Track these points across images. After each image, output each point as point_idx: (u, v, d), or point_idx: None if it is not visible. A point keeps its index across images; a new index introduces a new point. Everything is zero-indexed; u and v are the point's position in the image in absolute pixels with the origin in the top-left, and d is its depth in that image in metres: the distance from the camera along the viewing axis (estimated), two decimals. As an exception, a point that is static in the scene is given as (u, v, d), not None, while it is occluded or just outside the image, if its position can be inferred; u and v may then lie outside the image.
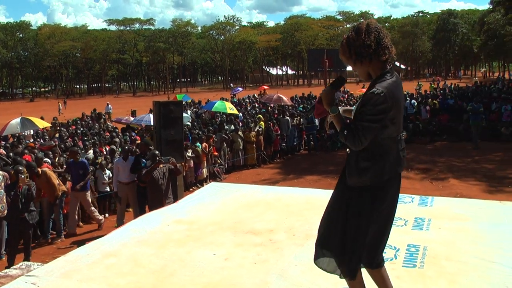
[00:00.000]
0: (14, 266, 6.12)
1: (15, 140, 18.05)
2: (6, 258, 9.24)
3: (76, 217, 11.69)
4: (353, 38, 3.47)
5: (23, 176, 9.20)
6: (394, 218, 6.23)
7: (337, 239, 3.67)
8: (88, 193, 11.65)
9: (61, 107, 50.71)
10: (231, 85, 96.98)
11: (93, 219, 11.88)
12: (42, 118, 21.12)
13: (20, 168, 9.51)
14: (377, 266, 3.82)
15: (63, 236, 11.19)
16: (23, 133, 19.61)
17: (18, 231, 9.21)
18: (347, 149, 3.61)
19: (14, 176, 9.32)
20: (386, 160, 3.50)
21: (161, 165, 9.95)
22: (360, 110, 3.40)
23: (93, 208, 11.79)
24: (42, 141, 17.29)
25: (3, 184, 9.47)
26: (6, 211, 9.38)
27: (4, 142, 17.44)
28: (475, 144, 19.74)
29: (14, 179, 9.22)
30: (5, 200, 9.35)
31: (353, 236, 3.59)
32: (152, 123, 17.85)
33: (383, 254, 3.87)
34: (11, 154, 13.22)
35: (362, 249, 3.63)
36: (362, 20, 3.41)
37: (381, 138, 3.44)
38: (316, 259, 3.88)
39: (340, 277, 3.81)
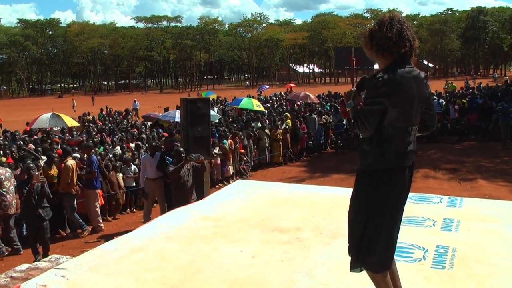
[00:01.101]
0: (43, 259, 6.19)
1: (44, 135, 18.26)
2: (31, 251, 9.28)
3: (98, 213, 11.61)
4: (375, 30, 3.49)
5: (36, 173, 9.16)
6: (423, 219, 6.23)
7: (350, 229, 3.73)
8: (95, 192, 11.52)
9: (75, 104, 50.83)
10: (249, 83, 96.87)
11: (91, 220, 11.60)
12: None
13: (32, 165, 9.56)
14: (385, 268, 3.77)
15: (87, 227, 11.23)
16: (52, 129, 19.84)
17: (35, 228, 9.19)
18: (346, 105, 3.66)
19: (26, 173, 9.35)
20: (386, 148, 3.50)
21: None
22: (365, 95, 3.48)
23: (97, 209, 11.54)
24: (70, 136, 17.43)
25: (12, 180, 9.58)
26: (11, 210, 9.51)
27: (34, 137, 17.63)
28: (504, 145, 19.47)
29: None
30: (9, 198, 9.48)
31: (360, 223, 3.64)
32: (177, 119, 17.96)
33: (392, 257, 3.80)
34: (39, 148, 13.39)
35: (373, 240, 3.62)
36: (385, 12, 3.42)
37: (383, 125, 3.44)
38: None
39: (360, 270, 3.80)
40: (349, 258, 3.83)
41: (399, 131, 3.50)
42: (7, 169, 9.79)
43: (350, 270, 3.81)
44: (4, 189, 9.43)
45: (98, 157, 12.49)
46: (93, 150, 12.94)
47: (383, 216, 3.59)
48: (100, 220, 11.57)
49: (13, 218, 9.72)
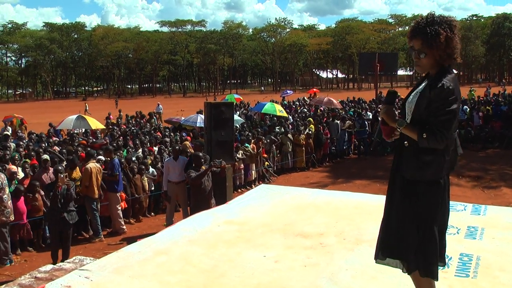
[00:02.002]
0: (67, 260, 6.24)
1: (68, 137, 18.44)
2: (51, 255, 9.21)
3: (120, 215, 11.69)
4: (450, 38, 3.40)
5: (62, 176, 9.09)
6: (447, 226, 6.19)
7: (404, 240, 3.62)
8: (117, 195, 11.59)
9: (87, 108, 50.85)
10: (265, 87, 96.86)
11: (113, 222, 11.70)
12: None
13: (60, 167, 9.53)
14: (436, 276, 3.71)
15: (101, 236, 11.18)
16: (76, 131, 20.03)
17: (58, 231, 9.15)
18: (405, 142, 3.53)
19: (54, 175, 9.34)
20: (447, 155, 3.47)
21: (203, 167, 9.98)
22: (434, 106, 3.35)
23: (119, 212, 11.62)
24: (94, 139, 17.57)
25: (7, 188, 9.44)
26: (12, 216, 9.39)
27: (57, 139, 17.82)
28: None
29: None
30: (10, 205, 9.37)
31: (424, 233, 3.55)
32: (198, 124, 18.03)
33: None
34: (64, 150, 13.51)
35: (435, 244, 3.57)
36: (451, 16, 3.25)
37: None
38: (379, 258, 3.82)
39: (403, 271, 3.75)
40: (373, 263, 3.81)
41: (453, 136, 3.52)
42: (2, 175, 9.60)
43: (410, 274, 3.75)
44: (5, 195, 9.29)
45: (123, 160, 12.59)
46: (118, 153, 13.04)
47: (443, 222, 3.62)
48: (122, 223, 11.63)
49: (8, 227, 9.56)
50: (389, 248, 3.73)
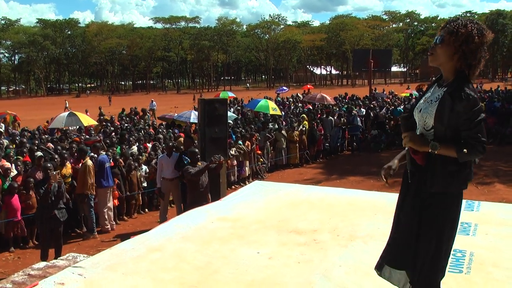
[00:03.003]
0: (61, 257, 6.23)
1: (62, 135, 18.37)
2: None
3: (107, 215, 11.52)
4: (473, 39, 3.34)
5: (54, 173, 8.99)
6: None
7: (418, 252, 3.52)
8: (104, 191, 11.42)
9: (67, 104, 50.27)
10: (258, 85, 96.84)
11: (100, 221, 11.49)
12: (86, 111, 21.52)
13: (49, 165, 9.42)
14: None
15: (96, 233, 11.09)
16: (69, 128, 19.95)
17: (48, 229, 9.02)
18: (430, 150, 3.35)
19: (43, 172, 9.22)
20: (471, 165, 3.41)
21: (199, 163, 9.97)
22: (462, 120, 3.26)
23: (106, 210, 11.44)
24: (87, 136, 17.50)
25: None
26: None
27: (51, 136, 17.74)
28: (523, 149, 19.32)
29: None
30: None
31: (438, 246, 3.45)
32: (191, 120, 18.01)
33: None
34: (58, 147, 13.47)
35: (446, 259, 3.53)
36: (482, 25, 3.19)
37: None
38: (380, 269, 3.77)
39: None
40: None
41: None
42: None
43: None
44: None
45: (118, 157, 12.56)
46: (111, 150, 13.01)
47: (454, 233, 3.51)
48: (107, 223, 11.49)
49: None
50: (396, 258, 3.67)
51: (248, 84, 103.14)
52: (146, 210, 13.25)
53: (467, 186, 3.42)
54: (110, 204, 11.57)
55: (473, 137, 3.25)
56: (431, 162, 3.39)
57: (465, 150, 3.24)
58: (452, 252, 5.20)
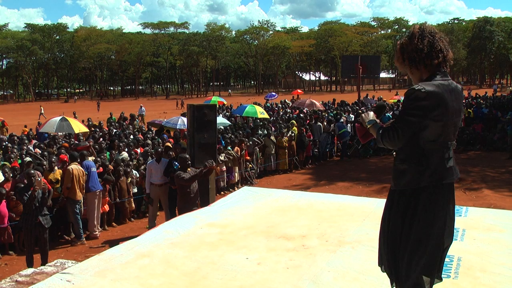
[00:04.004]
0: (49, 263, 6.20)
1: (50, 139, 18.27)
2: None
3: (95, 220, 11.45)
4: (406, 43, 3.45)
5: (39, 179, 8.89)
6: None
7: (386, 249, 3.65)
8: (91, 194, 11.33)
9: (43, 111, 49.85)
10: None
11: (88, 227, 11.44)
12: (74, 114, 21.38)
13: (32, 171, 9.24)
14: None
15: (83, 239, 10.99)
16: (58, 133, 19.85)
17: (33, 236, 8.90)
18: (393, 152, 3.57)
19: (27, 179, 9.04)
20: (426, 166, 3.43)
21: (189, 168, 9.96)
22: (400, 108, 3.42)
23: (95, 215, 11.35)
24: (76, 141, 17.41)
25: None
26: None
27: (38, 142, 17.65)
28: (511, 155, 19.41)
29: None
30: None
31: (396, 243, 3.56)
32: (179, 126, 17.99)
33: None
34: (45, 153, 13.39)
35: (410, 260, 3.53)
36: (416, 23, 3.34)
37: (422, 141, 3.40)
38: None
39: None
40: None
41: (440, 146, 3.47)
42: None
43: None
44: None
45: (107, 163, 12.51)
46: (102, 156, 12.97)
47: (428, 234, 3.50)
48: (95, 228, 11.41)
49: None
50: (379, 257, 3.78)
51: (230, 91, 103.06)
52: (135, 216, 13.18)
53: (421, 185, 3.45)
54: (98, 210, 11.52)
55: (395, 122, 3.40)
56: (394, 160, 3.57)
57: (381, 130, 3.41)
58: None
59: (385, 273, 3.76)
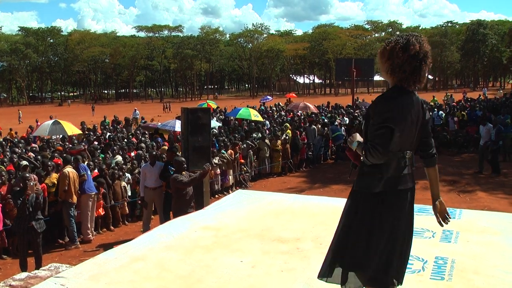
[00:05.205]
0: (43, 267, 6.18)
1: (44, 143, 18.25)
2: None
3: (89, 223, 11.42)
4: (397, 54, 3.46)
5: (32, 184, 8.83)
6: (422, 230, 6.24)
7: (341, 242, 3.77)
8: (89, 197, 11.32)
9: (21, 115, 49.46)
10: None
11: (82, 230, 11.40)
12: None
13: (28, 175, 9.27)
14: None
15: (78, 243, 10.97)
16: (53, 137, 19.82)
17: (26, 240, 8.90)
18: (352, 147, 3.67)
19: (21, 183, 9.02)
20: (385, 171, 3.53)
21: (184, 172, 9.95)
22: (371, 123, 3.49)
23: (88, 217, 11.32)
24: (70, 145, 17.40)
25: None
26: None
27: (34, 146, 17.63)
28: (504, 157, 19.47)
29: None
30: None
31: (354, 241, 3.67)
32: (176, 129, 17.97)
33: (396, 276, 3.75)
34: (39, 157, 13.37)
35: (369, 258, 3.62)
36: (416, 34, 3.36)
37: None
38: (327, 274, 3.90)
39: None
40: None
41: (396, 155, 3.51)
42: None
43: (319, 277, 3.92)
44: None
45: (103, 166, 12.50)
46: (96, 160, 12.97)
47: (383, 239, 3.59)
48: (89, 231, 11.40)
49: None
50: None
51: (217, 93, 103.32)
52: (129, 219, 13.15)
53: (375, 190, 3.54)
54: (93, 214, 11.50)
55: (371, 140, 3.45)
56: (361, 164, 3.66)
57: (363, 151, 3.47)
58: (434, 260, 5.31)
59: None
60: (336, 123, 22.20)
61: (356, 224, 3.63)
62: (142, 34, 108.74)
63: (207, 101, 35.43)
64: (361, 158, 3.61)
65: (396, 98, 3.48)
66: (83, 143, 16.55)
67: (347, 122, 23.65)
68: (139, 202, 12.09)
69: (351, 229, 3.67)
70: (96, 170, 12.40)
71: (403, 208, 3.63)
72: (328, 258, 3.85)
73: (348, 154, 3.80)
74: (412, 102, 3.53)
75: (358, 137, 3.66)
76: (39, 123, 28.35)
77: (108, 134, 21.66)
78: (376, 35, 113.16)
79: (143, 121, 29.04)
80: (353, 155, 3.74)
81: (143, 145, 16.39)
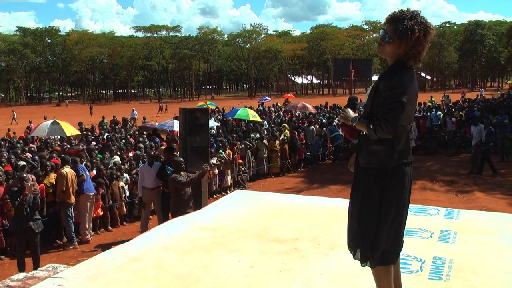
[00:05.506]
0: (40, 268, 6.17)
1: (42, 143, 18.24)
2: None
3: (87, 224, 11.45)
4: (421, 42, 3.48)
5: (29, 184, 8.84)
6: (420, 230, 6.25)
7: (355, 226, 3.75)
8: (87, 198, 11.33)
9: (15, 116, 49.36)
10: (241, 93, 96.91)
11: (80, 230, 11.42)
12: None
13: (25, 175, 9.28)
14: (390, 261, 3.81)
15: (76, 243, 10.99)
16: (51, 137, 19.80)
17: (24, 241, 8.92)
18: (351, 123, 3.66)
19: (19, 183, 9.02)
20: (396, 147, 3.55)
21: (182, 172, 9.95)
22: (381, 100, 3.48)
23: (87, 217, 11.37)
24: (68, 145, 17.39)
25: None
26: None
27: (32, 146, 17.61)
28: (502, 157, 19.50)
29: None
30: None
31: (368, 218, 3.66)
32: (175, 129, 17.96)
33: (401, 255, 3.88)
34: (36, 157, 13.35)
35: (380, 233, 3.65)
36: (431, 23, 3.42)
37: None
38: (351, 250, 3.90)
39: (366, 265, 3.81)
40: (348, 268, 3.85)
41: (405, 128, 3.56)
42: None
43: (362, 265, 3.82)
44: None
45: (101, 166, 12.50)
46: (94, 160, 12.97)
47: (395, 212, 3.65)
48: (87, 232, 11.42)
49: None
50: (348, 240, 3.89)
51: (212, 94, 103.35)
52: (127, 220, 13.15)
53: (400, 166, 3.59)
54: (91, 214, 11.50)
55: (382, 114, 3.44)
56: (362, 141, 3.70)
57: (371, 125, 3.47)
58: (432, 260, 5.31)
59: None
60: (334, 123, 22.15)
61: (371, 202, 3.63)
62: (140, 34, 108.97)
63: (207, 102, 35.37)
64: (363, 133, 3.63)
65: (406, 74, 3.50)
66: (81, 144, 16.55)
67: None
68: (137, 202, 12.10)
69: (367, 208, 3.66)
70: (93, 171, 12.40)
71: (408, 180, 3.69)
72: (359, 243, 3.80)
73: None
74: (414, 77, 3.59)
75: (352, 113, 3.68)
76: (32, 124, 28.42)
77: (106, 134, 21.64)
78: (374, 35, 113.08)
79: (144, 121, 28.97)
80: (348, 131, 3.74)
81: (141, 145, 16.37)
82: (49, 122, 18.60)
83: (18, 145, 17.05)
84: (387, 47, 3.58)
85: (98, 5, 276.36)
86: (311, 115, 26.09)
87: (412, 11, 3.56)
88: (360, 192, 3.71)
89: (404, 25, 3.43)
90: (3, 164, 12.50)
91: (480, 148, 17.27)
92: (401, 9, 3.60)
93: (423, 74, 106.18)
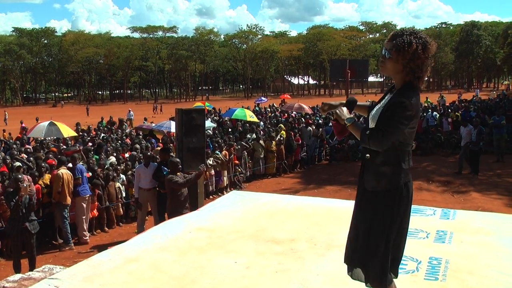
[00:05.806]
0: (36, 269, 6.16)
1: (37, 144, 18.19)
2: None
3: (84, 225, 11.38)
4: (419, 56, 3.45)
5: (25, 185, 8.80)
6: (416, 230, 6.27)
7: (363, 247, 3.69)
8: (80, 199, 11.28)
9: (7, 116, 49.24)
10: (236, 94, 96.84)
11: (78, 231, 11.42)
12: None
13: (20, 176, 9.22)
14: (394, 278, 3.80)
15: (72, 244, 10.93)
16: (47, 138, 19.75)
17: (20, 242, 8.89)
18: (367, 155, 3.64)
19: (14, 184, 8.97)
20: (402, 167, 3.57)
21: (178, 173, 9.94)
22: (387, 114, 3.46)
23: (83, 218, 11.32)
24: (64, 146, 17.34)
25: None
26: None
27: (28, 147, 17.57)
28: (498, 158, 19.53)
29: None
30: None
31: (376, 241, 3.61)
32: (172, 130, 17.93)
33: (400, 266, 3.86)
34: (31, 158, 13.32)
35: (387, 254, 3.63)
36: (432, 40, 3.39)
37: (398, 145, 3.53)
38: (349, 271, 3.90)
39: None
40: (343, 269, 3.85)
41: (408, 148, 3.60)
42: None
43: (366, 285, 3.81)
44: None
45: (96, 167, 12.48)
46: (91, 161, 12.94)
47: (400, 231, 3.65)
48: (85, 233, 11.39)
49: None
50: (348, 257, 3.85)
51: (207, 94, 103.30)
52: (124, 220, 13.13)
53: (405, 185, 3.59)
54: (87, 215, 11.48)
55: (384, 125, 3.44)
56: (368, 164, 3.66)
57: (368, 131, 3.49)
58: (428, 260, 5.32)
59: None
60: (331, 124, 22.14)
61: (377, 224, 3.61)
62: (136, 35, 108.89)
63: (206, 104, 35.33)
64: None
65: (415, 96, 3.50)
66: (78, 144, 16.51)
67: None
68: (132, 203, 12.08)
69: (372, 230, 3.63)
70: (88, 172, 12.38)
71: (410, 199, 3.69)
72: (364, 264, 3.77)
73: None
74: (419, 98, 3.58)
75: (347, 113, 3.68)
76: (23, 125, 28.38)
77: (102, 135, 21.61)
78: (371, 36, 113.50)
79: (145, 121, 28.93)
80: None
81: (137, 146, 16.35)
82: (46, 123, 18.52)
83: (15, 146, 16.99)
84: (387, 63, 3.57)
85: (94, 5, 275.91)
86: (307, 116, 26.09)
87: (412, 28, 3.59)
88: (368, 212, 3.68)
89: (402, 39, 3.44)
90: (-1, 165, 12.48)
91: (469, 149, 17.27)
92: (402, 27, 3.62)
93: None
